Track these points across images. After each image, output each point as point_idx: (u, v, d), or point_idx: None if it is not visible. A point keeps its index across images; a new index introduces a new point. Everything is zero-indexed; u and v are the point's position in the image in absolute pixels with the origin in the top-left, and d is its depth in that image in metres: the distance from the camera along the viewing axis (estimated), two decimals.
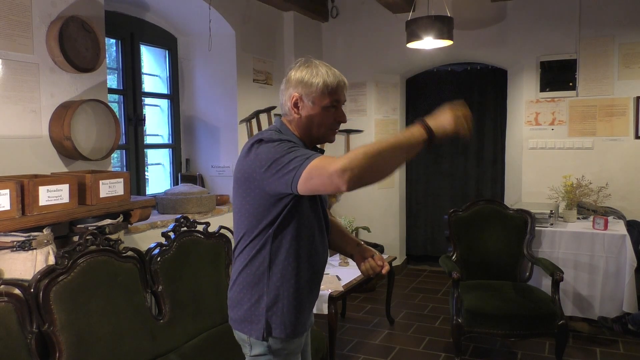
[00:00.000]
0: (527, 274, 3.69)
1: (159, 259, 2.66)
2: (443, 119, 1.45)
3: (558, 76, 4.58)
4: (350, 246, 1.89)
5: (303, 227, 1.65)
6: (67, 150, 2.64)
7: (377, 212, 5.41)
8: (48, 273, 2.14)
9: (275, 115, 4.28)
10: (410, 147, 1.42)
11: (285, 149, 1.47)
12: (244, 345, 1.72)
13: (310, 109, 1.62)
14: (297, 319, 1.68)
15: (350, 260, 4.01)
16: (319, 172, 1.39)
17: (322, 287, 2.40)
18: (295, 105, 1.62)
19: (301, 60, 1.66)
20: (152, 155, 4.10)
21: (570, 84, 4.54)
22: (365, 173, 1.36)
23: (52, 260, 2.27)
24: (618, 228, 3.84)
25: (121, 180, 2.61)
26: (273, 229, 1.61)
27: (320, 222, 1.73)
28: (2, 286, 2.00)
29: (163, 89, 4.20)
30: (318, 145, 1.77)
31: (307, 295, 1.71)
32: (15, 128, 2.49)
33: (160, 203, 3.62)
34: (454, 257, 3.75)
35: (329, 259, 3.99)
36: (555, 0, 4.54)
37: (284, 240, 1.63)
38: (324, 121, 1.64)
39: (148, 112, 4.04)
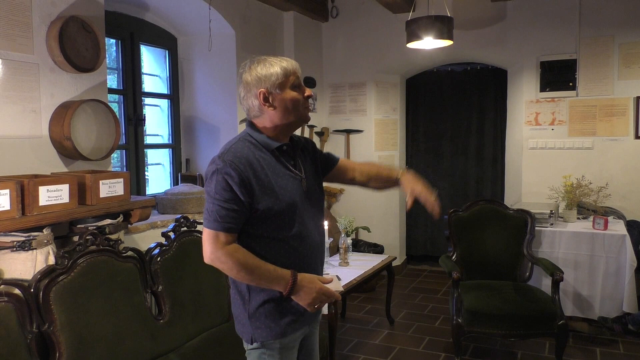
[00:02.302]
0: (527, 274, 3.69)
1: (159, 259, 2.66)
2: (306, 295, 1.63)
3: (558, 76, 4.58)
4: (391, 181, 1.91)
5: (278, 227, 1.63)
6: (67, 150, 2.64)
7: (377, 212, 5.41)
8: (48, 273, 2.14)
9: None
10: (271, 286, 1.62)
11: (215, 194, 1.59)
12: (242, 339, 1.75)
13: (280, 96, 1.65)
14: (284, 320, 1.67)
15: (350, 261, 4.01)
16: (204, 241, 1.61)
17: None
18: (266, 100, 1.65)
19: (247, 63, 1.70)
20: (152, 155, 4.10)
21: (570, 84, 4.54)
22: (224, 271, 1.62)
23: (52, 260, 2.27)
24: (618, 228, 3.84)
25: (121, 180, 2.61)
26: (251, 232, 1.63)
27: (303, 213, 1.69)
28: (2, 286, 2.00)
29: (163, 89, 4.20)
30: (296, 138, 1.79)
31: None
32: (15, 128, 2.49)
33: (160, 203, 3.62)
34: (454, 257, 3.75)
35: (329, 259, 3.98)
36: (555, 0, 4.54)
37: (262, 244, 1.64)
38: (296, 101, 1.67)
39: (148, 112, 4.04)
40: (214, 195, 1.58)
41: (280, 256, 1.64)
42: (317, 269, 1.77)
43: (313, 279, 1.65)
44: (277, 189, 1.62)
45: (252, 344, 1.68)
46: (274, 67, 1.64)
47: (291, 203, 1.64)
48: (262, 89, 1.64)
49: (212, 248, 1.58)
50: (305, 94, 1.70)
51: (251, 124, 1.71)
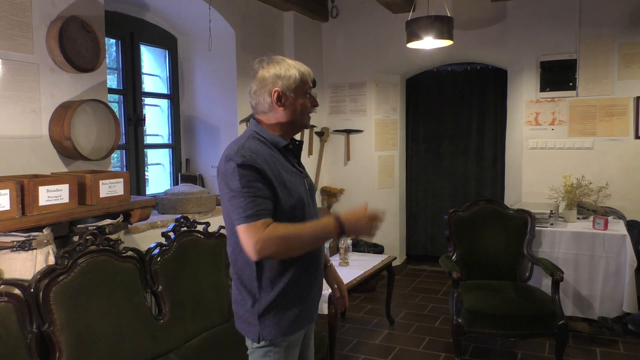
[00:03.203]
0: (527, 274, 3.69)
1: (159, 259, 2.66)
2: (358, 223, 1.60)
3: (558, 76, 4.58)
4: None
5: (289, 222, 1.63)
6: (67, 150, 2.64)
7: None
8: (48, 273, 2.14)
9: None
10: (323, 240, 1.65)
11: (239, 186, 1.56)
12: (246, 338, 1.75)
13: (293, 99, 1.70)
14: (292, 317, 1.69)
15: (350, 260, 4.02)
16: (243, 238, 1.57)
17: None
18: (279, 99, 1.68)
19: (264, 59, 1.72)
20: (152, 155, 4.10)
21: (570, 84, 4.53)
22: (275, 255, 1.60)
23: (52, 260, 2.27)
24: (618, 228, 3.84)
25: (121, 180, 2.61)
26: None
27: (310, 210, 1.74)
28: (2, 286, 2.00)
29: (163, 89, 4.20)
30: (296, 137, 1.82)
31: (304, 290, 1.72)
32: (15, 128, 2.49)
33: (160, 203, 3.61)
34: (454, 257, 3.75)
35: (330, 259, 3.98)
36: (555, 0, 4.54)
37: None
38: (305, 108, 1.74)
39: (148, 112, 4.04)
40: (242, 189, 1.55)
41: None
42: (320, 264, 1.81)
43: (357, 215, 1.60)
44: (289, 184, 1.65)
45: (259, 342, 1.69)
46: (293, 70, 1.68)
47: (301, 199, 1.68)
48: (278, 88, 1.67)
49: (255, 239, 1.53)
50: (313, 104, 1.75)
51: (257, 122, 1.74)
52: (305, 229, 1.59)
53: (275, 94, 1.67)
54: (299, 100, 1.70)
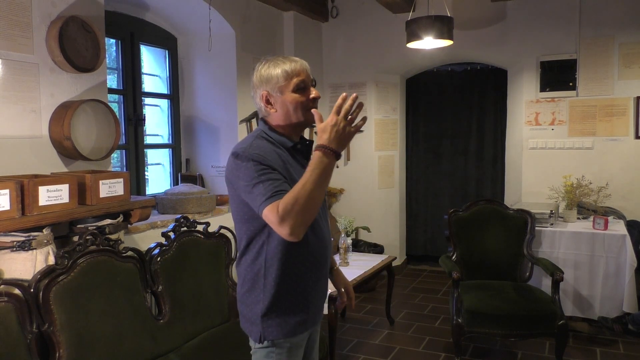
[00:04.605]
0: (527, 274, 3.69)
1: (159, 259, 2.66)
2: (339, 134, 1.50)
3: (558, 76, 4.58)
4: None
5: None
6: (67, 150, 2.64)
7: (377, 212, 5.41)
8: (48, 273, 2.14)
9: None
10: (325, 174, 1.51)
11: (254, 175, 1.54)
12: (249, 338, 1.74)
13: (280, 99, 1.65)
14: (296, 319, 1.68)
15: (350, 261, 4.02)
16: (270, 221, 1.51)
17: None
18: (268, 102, 1.66)
19: (258, 63, 1.70)
20: (152, 155, 4.10)
21: (570, 84, 4.53)
22: (302, 217, 1.48)
23: (52, 260, 2.27)
24: (618, 228, 3.84)
25: (121, 180, 2.61)
26: (268, 230, 1.62)
27: (319, 213, 1.71)
28: (2, 286, 2.00)
29: (163, 89, 4.20)
30: (306, 137, 1.78)
31: (309, 292, 1.71)
32: (15, 128, 2.49)
33: (160, 203, 3.62)
34: (454, 257, 3.75)
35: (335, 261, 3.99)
36: (555, 0, 4.54)
37: (277, 241, 1.63)
38: (298, 105, 1.65)
39: (148, 112, 4.04)
40: (255, 176, 1.53)
41: (294, 250, 1.64)
42: (325, 266, 1.79)
43: (332, 128, 1.50)
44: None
45: (261, 342, 1.68)
46: (277, 69, 1.64)
47: None
48: (264, 91, 1.66)
49: (278, 217, 1.47)
50: (311, 96, 1.67)
51: (264, 123, 1.72)
52: (304, 178, 1.49)
53: (263, 97, 1.66)
54: (287, 97, 1.64)
